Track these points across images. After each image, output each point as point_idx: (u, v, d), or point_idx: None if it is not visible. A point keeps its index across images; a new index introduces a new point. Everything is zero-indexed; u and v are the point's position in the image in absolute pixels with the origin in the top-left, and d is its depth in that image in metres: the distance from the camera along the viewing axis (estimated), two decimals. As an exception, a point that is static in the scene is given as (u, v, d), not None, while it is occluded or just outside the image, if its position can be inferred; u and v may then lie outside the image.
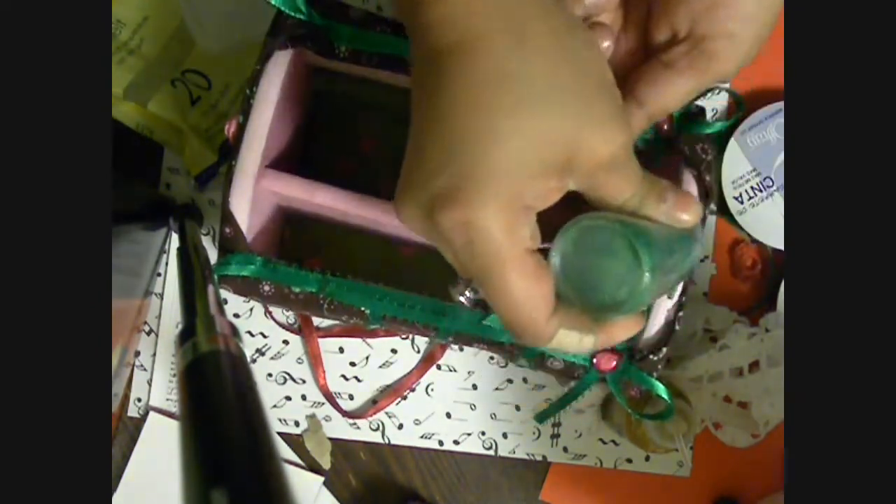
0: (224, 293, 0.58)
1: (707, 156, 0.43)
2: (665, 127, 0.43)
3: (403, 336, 0.57)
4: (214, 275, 0.43)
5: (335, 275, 0.44)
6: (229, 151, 0.43)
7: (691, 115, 0.44)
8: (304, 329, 0.57)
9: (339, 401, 0.58)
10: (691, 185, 0.43)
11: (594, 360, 0.43)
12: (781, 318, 0.56)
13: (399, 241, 0.55)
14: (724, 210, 0.57)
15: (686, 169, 0.43)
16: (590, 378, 0.44)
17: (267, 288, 0.43)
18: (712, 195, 0.43)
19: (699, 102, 0.44)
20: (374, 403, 0.57)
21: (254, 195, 0.43)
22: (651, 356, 0.43)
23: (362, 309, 0.43)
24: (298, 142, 0.52)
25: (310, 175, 0.45)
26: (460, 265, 0.30)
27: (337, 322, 0.57)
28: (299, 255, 0.56)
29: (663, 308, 0.43)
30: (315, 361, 0.57)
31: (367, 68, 0.44)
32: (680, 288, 0.42)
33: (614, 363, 0.43)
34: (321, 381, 0.57)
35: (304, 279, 0.43)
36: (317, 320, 0.57)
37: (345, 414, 0.57)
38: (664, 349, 0.43)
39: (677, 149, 0.43)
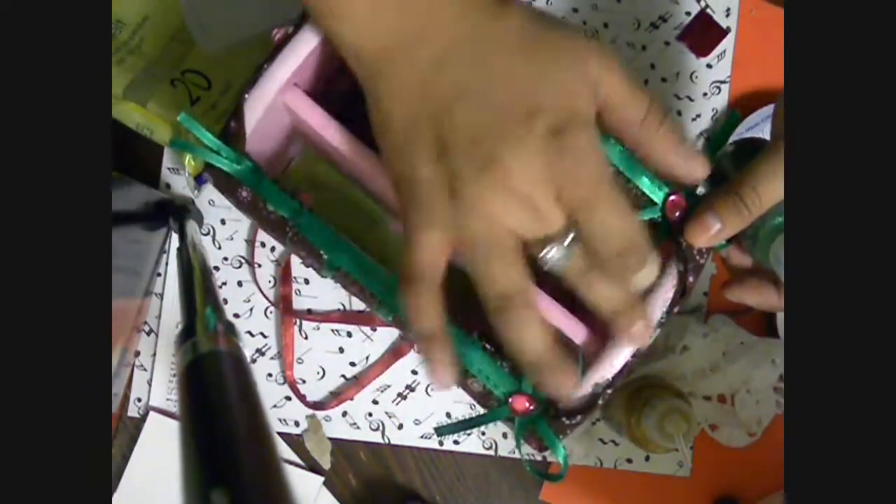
0: (223, 296, 0.58)
1: (701, 259, 0.42)
2: (677, 214, 0.43)
3: (403, 336, 0.58)
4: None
5: (312, 211, 0.43)
6: (260, 67, 0.43)
7: None
8: (283, 316, 0.57)
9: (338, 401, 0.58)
10: (671, 279, 0.42)
11: (510, 399, 0.43)
12: (725, 317, 0.57)
13: (395, 214, 0.54)
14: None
15: (675, 262, 0.43)
16: (500, 412, 0.43)
17: (245, 194, 0.43)
18: (687, 296, 0.43)
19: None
20: (337, 395, 0.58)
21: (271, 103, 0.43)
22: (565, 419, 0.42)
23: (321, 252, 0.43)
24: (338, 78, 0.51)
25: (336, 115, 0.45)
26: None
27: (336, 307, 0.58)
28: (295, 185, 0.55)
29: (593, 380, 0.42)
30: (286, 350, 0.57)
31: None
32: (617, 367, 0.42)
33: (527, 407, 0.43)
34: (288, 371, 0.57)
35: (282, 201, 0.43)
36: (315, 304, 0.57)
37: (308, 405, 0.57)
38: (579, 418, 0.42)
39: (676, 240, 0.43)
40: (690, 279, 0.42)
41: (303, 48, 0.43)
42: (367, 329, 0.58)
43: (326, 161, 0.54)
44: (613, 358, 0.43)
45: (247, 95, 0.43)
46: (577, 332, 0.45)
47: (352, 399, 0.57)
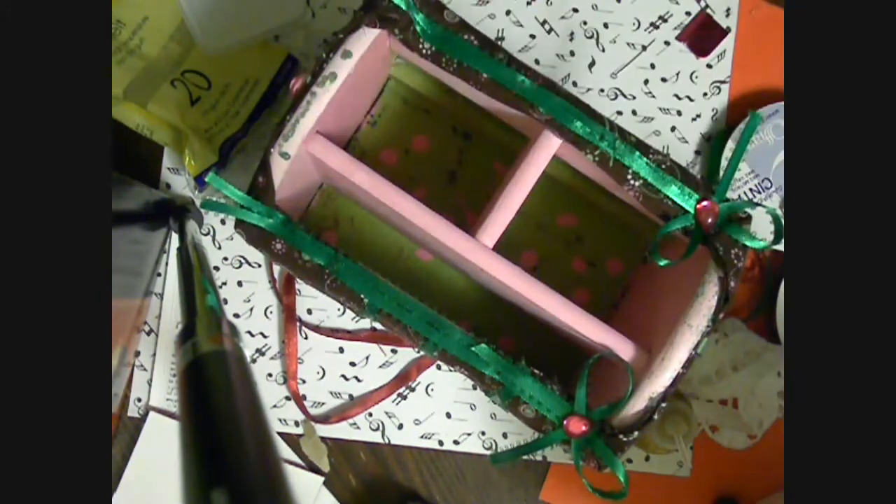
0: (223, 296, 0.58)
1: (739, 262, 0.42)
2: (710, 221, 0.43)
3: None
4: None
5: (347, 255, 0.44)
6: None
7: (737, 219, 0.43)
8: (286, 326, 0.57)
9: (338, 401, 0.58)
10: (713, 286, 0.42)
11: (565, 421, 0.43)
12: (737, 322, 0.56)
13: (420, 244, 0.55)
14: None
15: (714, 268, 0.43)
16: (555, 436, 0.43)
17: (279, 246, 0.44)
18: (731, 301, 0.42)
19: (749, 210, 0.44)
20: (340, 410, 0.57)
21: (296, 155, 0.43)
22: (622, 436, 0.42)
23: (361, 296, 0.43)
24: (356, 118, 0.51)
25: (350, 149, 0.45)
26: None
27: (335, 306, 0.57)
28: (318, 224, 0.56)
29: (646, 394, 0.42)
30: (290, 360, 0.57)
31: (445, 72, 0.44)
32: (669, 380, 0.42)
33: (584, 429, 0.43)
34: (292, 381, 0.57)
35: (317, 249, 0.44)
36: (314, 304, 0.57)
37: (311, 418, 0.57)
38: (636, 433, 0.42)
39: (713, 245, 0.43)
40: (732, 284, 0.42)
41: (325, 94, 0.43)
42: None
43: (346, 196, 0.54)
44: (664, 371, 0.42)
45: (272, 150, 0.43)
46: (623, 348, 0.44)
47: (354, 418, 0.57)
